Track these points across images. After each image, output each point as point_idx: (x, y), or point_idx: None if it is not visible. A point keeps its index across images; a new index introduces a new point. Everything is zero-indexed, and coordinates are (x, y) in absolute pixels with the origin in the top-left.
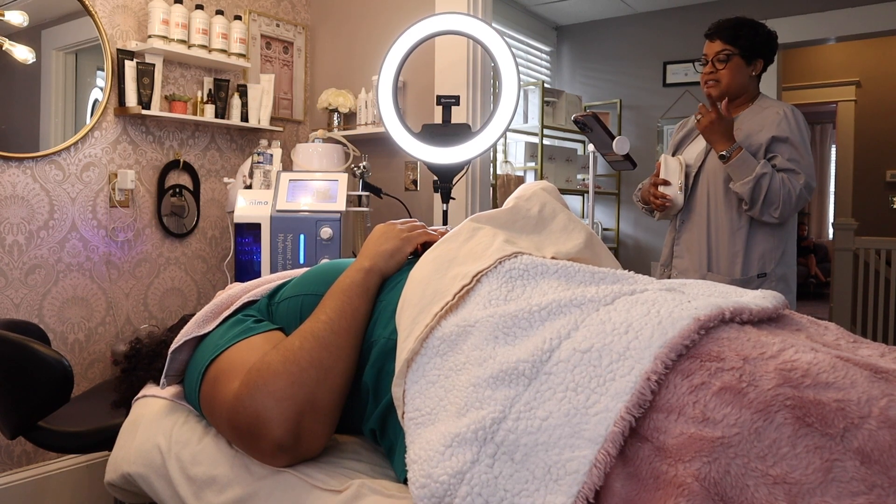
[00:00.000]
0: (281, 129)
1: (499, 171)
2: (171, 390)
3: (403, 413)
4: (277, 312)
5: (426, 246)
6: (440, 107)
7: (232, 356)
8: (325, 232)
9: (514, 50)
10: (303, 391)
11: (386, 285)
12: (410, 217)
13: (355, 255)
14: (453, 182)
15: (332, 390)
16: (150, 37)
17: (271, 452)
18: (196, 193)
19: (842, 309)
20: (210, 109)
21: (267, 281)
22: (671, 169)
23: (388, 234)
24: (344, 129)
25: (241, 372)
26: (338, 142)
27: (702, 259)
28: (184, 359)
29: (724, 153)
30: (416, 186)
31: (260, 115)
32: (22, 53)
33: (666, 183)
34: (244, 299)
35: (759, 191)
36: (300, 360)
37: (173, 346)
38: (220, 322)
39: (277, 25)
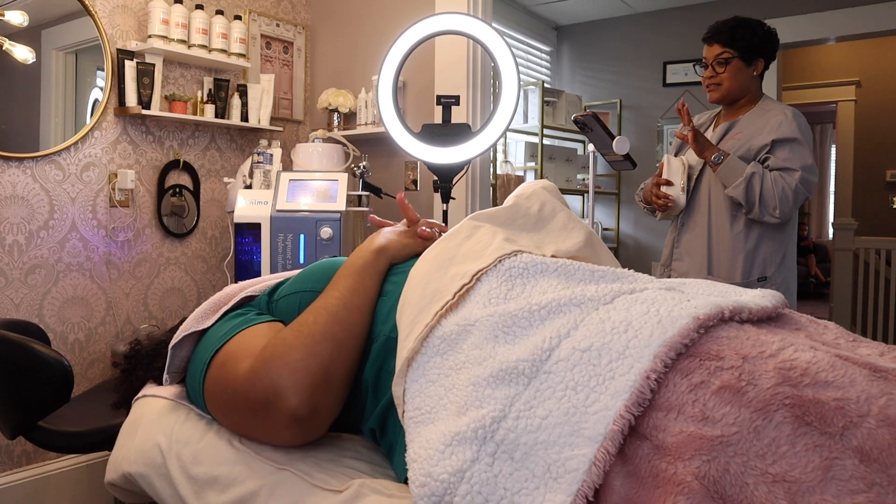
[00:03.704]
0: (281, 129)
1: (499, 171)
2: (172, 390)
3: (403, 412)
4: (276, 310)
5: None
6: (440, 107)
7: (239, 341)
8: (325, 232)
9: (514, 50)
10: (316, 361)
11: (386, 283)
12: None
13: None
14: (453, 182)
15: (344, 364)
16: (150, 37)
17: (286, 423)
18: (196, 193)
19: (842, 309)
20: (210, 109)
21: (263, 280)
22: (674, 169)
23: (405, 230)
24: (344, 129)
25: (251, 354)
26: (338, 142)
27: (702, 262)
28: (184, 355)
29: (715, 157)
30: (416, 186)
31: (260, 115)
32: (22, 53)
33: (668, 183)
34: (242, 295)
35: (752, 191)
36: (314, 333)
37: (173, 342)
38: (218, 317)
39: (277, 25)
